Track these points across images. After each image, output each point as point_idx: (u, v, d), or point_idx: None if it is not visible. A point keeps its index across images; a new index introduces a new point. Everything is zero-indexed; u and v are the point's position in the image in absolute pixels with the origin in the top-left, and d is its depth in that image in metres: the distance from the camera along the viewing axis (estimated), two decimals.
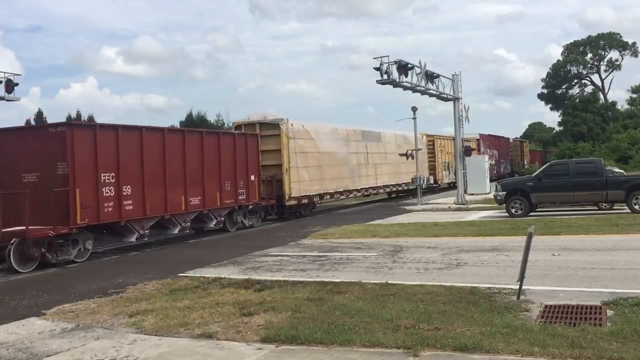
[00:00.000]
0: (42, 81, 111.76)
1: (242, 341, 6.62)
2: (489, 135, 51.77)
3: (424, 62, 25.10)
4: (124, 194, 15.08)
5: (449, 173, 40.33)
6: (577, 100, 70.95)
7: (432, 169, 38.41)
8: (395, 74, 23.25)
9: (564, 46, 73.81)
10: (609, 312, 6.95)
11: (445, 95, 27.74)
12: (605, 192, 18.86)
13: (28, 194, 12.90)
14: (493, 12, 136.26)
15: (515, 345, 5.76)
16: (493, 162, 48.66)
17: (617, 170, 25.56)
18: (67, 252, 13.77)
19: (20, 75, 23.68)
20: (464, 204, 26.29)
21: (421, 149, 32.66)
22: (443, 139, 40.57)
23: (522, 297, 7.81)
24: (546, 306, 7.38)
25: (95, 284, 10.94)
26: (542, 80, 75.42)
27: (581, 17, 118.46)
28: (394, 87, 24.25)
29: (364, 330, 6.58)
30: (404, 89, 25.03)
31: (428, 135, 38.58)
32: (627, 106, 69.59)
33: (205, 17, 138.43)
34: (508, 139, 59.62)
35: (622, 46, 70.67)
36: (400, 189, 34.87)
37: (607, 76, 72.71)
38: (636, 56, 70.41)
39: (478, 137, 46.64)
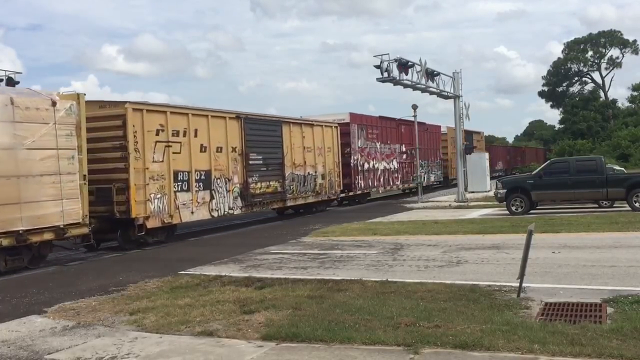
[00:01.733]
0: (43, 79, 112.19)
1: (243, 339, 6.63)
2: (380, 117, 29.85)
3: (424, 60, 25.13)
4: None
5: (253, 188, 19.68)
6: (577, 99, 70.90)
7: (122, 192, 15.11)
8: (395, 72, 23.26)
9: (564, 44, 73.93)
10: (609, 310, 6.96)
11: (446, 93, 27.73)
12: (606, 190, 18.89)
13: None
14: (494, 10, 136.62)
15: (515, 342, 5.78)
16: (393, 166, 30.70)
17: (617, 168, 25.59)
18: None
19: (21, 73, 23.69)
20: (464, 202, 26.31)
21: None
22: (178, 112, 17.12)
23: (522, 295, 7.82)
24: (546, 304, 7.39)
25: (96, 282, 10.96)
26: (542, 78, 75.57)
27: (582, 14, 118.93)
28: (394, 85, 24.25)
29: (364, 328, 6.59)
30: (405, 87, 25.02)
31: (98, 103, 15.50)
32: (627, 104, 69.58)
33: (206, 16, 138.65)
34: (439, 126, 38.08)
35: (623, 44, 70.66)
36: None
37: (607, 74, 72.82)
38: (637, 54, 70.44)
39: (348, 120, 26.45)
